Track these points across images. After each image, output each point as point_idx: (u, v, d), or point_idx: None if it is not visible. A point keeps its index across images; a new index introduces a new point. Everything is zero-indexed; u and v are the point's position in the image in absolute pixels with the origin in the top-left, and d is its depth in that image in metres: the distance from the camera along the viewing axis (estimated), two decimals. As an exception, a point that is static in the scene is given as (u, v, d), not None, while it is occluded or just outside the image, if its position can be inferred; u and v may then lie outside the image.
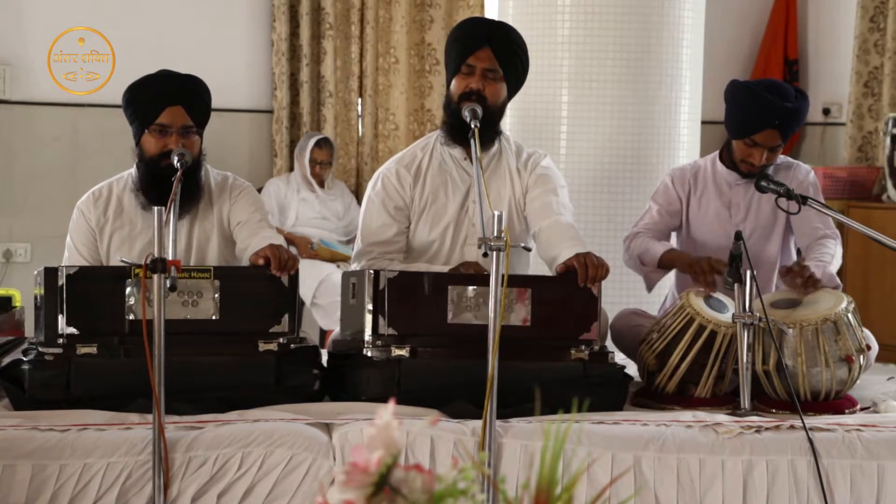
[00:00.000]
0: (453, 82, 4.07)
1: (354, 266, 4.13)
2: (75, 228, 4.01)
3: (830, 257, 4.17)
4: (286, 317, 3.70)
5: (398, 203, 4.13)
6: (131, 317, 3.58)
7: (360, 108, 7.26)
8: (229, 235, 4.00)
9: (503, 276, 3.38)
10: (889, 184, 6.94)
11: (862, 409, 3.96)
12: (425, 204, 4.14)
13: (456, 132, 4.09)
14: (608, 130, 5.34)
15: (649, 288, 4.38)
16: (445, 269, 3.99)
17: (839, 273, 4.25)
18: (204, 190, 3.98)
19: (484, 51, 4.03)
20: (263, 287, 3.68)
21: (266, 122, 7.17)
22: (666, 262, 4.23)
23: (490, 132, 4.05)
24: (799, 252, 4.40)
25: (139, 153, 3.92)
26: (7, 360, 3.94)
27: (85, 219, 3.99)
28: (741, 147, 4.22)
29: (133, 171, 4.01)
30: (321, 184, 6.90)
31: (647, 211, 4.41)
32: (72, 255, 3.99)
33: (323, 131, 7.11)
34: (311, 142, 6.82)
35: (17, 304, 4.39)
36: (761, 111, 4.14)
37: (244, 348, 3.68)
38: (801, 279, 3.99)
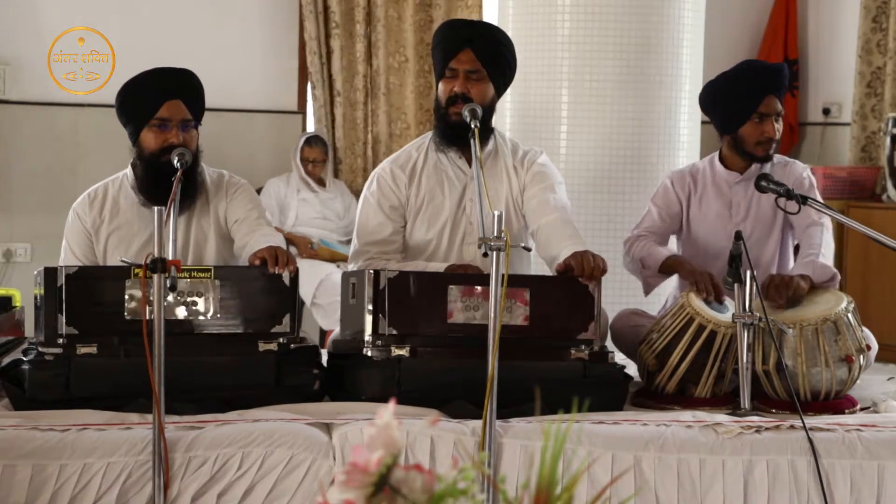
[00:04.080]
0: (439, 87, 4.09)
1: (351, 266, 4.13)
2: (71, 230, 4.01)
3: (818, 248, 4.15)
4: (286, 317, 3.70)
5: (393, 202, 4.14)
6: (131, 317, 3.58)
7: (364, 107, 7.26)
8: (226, 234, 4.00)
9: (503, 276, 3.38)
10: (889, 184, 6.94)
11: (862, 409, 3.95)
12: (421, 203, 4.15)
13: (448, 136, 4.10)
14: (608, 130, 5.34)
15: (647, 292, 4.38)
16: (442, 266, 3.99)
17: (839, 271, 4.24)
18: (201, 188, 3.98)
19: (465, 53, 4.03)
20: (263, 287, 3.68)
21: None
22: (668, 268, 4.22)
23: (484, 131, 4.05)
24: (797, 250, 4.39)
25: (137, 151, 3.92)
26: (7, 360, 3.94)
27: (80, 221, 3.99)
28: (751, 130, 4.20)
29: (128, 171, 4.01)
30: (319, 182, 6.90)
31: (646, 213, 4.40)
32: (67, 257, 3.99)
33: (331, 131, 7.12)
34: (301, 141, 6.84)
35: (17, 304, 4.39)
36: (754, 82, 4.20)
37: (244, 348, 3.68)
38: (786, 292, 3.97)
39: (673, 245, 4.45)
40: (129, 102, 3.91)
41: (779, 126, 4.24)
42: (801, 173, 4.33)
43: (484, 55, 4.04)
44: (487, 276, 3.45)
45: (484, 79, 4.04)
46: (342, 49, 7.12)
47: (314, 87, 7.08)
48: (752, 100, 4.18)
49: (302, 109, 7.23)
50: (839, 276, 4.15)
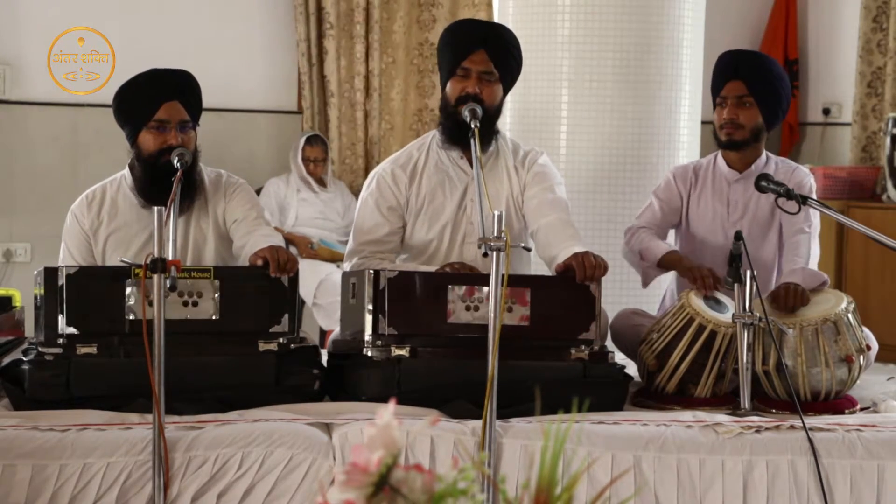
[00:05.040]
0: (449, 85, 4.07)
1: (346, 265, 4.14)
2: (69, 233, 4.01)
3: (805, 256, 4.15)
4: (286, 317, 3.70)
5: (392, 203, 4.14)
6: (131, 317, 3.58)
7: (363, 107, 7.26)
8: (225, 233, 4.00)
9: (503, 276, 3.39)
10: (889, 184, 6.94)
11: (862, 409, 3.95)
12: (422, 203, 4.14)
13: (454, 134, 4.09)
14: (608, 130, 5.34)
15: (645, 284, 4.37)
16: (433, 268, 3.99)
17: (837, 273, 4.24)
18: (200, 188, 3.99)
19: (478, 53, 4.03)
20: (263, 287, 3.68)
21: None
22: (666, 264, 4.22)
23: (488, 133, 4.05)
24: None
25: (136, 153, 3.92)
26: (7, 360, 3.94)
27: (78, 223, 3.99)
28: (716, 116, 4.26)
29: (126, 172, 4.01)
30: (320, 182, 6.90)
31: (648, 205, 4.40)
32: (66, 260, 3.99)
33: (328, 131, 7.12)
34: (302, 140, 6.85)
35: (17, 304, 4.39)
36: (722, 68, 4.24)
37: (244, 348, 3.68)
38: (792, 301, 3.96)
39: (671, 239, 4.44)
40: (127, 105, 3.92)
41: (742, 111, 4.20)
42: (802, 179, 4.31)
43: (497, 57, 4.04)
44: (487, 276, 3.46)
45: (495, 80, 4.04)
46: (339, 49, 7.12)
47: (303, 88, 7.08)
48: (719, 83, 4.24)
49: (302, 109, 7.23)
50: (829, 281, 4.15)
